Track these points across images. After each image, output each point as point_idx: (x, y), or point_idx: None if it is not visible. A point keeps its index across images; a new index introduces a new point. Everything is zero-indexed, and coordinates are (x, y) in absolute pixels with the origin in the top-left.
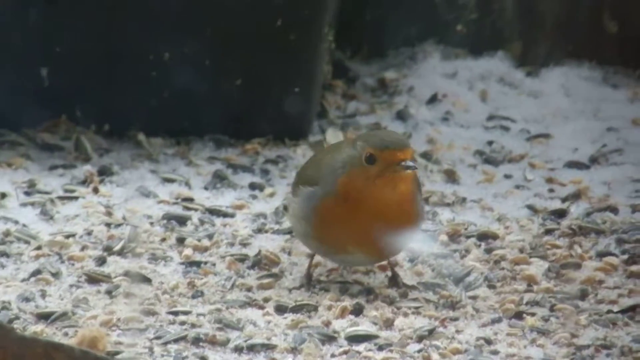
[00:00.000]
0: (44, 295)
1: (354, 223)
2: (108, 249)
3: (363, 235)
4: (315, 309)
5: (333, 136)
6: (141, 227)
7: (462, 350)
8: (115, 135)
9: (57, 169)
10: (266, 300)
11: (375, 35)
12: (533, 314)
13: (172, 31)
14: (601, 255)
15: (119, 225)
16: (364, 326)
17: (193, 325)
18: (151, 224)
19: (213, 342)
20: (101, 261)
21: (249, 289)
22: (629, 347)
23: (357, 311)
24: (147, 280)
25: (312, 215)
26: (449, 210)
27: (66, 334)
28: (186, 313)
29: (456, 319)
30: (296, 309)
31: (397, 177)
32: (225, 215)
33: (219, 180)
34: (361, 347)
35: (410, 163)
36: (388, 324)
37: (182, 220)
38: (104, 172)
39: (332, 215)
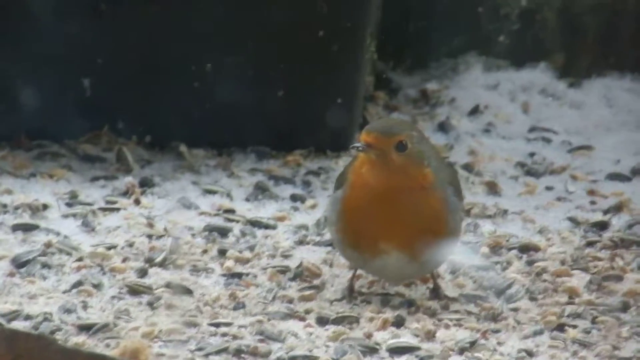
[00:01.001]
0: (85, 306)
1: (372, 216)
2: (149, 261)
3: (385, 226)
4: (357, 320)
5: None
6: (183, 238)
7: None
8: (157, 146)
9: (98, 180)
10: (308, 312)
11: (417, 47)
12: (575, 326)
13: (215, 42)
14: None
15: (160, 236)
16: (406, 338)
17: (235, 337)
18: (192, 235)
19: (255, 353)
20: (143, 273)
21: (291, 301)
22: None
23: (399, 323)
24: (188, 291)
25: (338, 219)
26: (490, 222)
27: (108, 346)
28: (228, 325)
29: (498, 331)
30: (338, 321)
31: (361, 158)
32: (266, 226)
33: (260, 191)
34: (403, 359)
35: (356, 143)
36: (429, 336)
37: (223, 232)
38: (146, 184)
39: (353, 213)
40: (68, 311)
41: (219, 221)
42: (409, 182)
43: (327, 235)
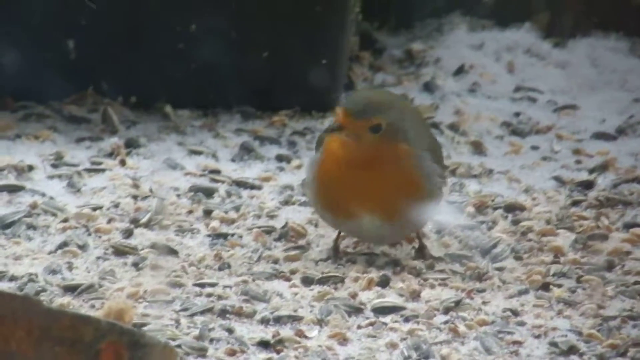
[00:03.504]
0: (70, 267)
1: (343, 182)
2: (135, 221)
3: (356, 192)
4: (342, 280)
5: None
6: (168, 199)
7: (488, 322)
8: (142, 107)
9: (84, 141)
10: (293, 272)
11: (402, 7)
12: (560, 286)
13: (199, 3)
14: (628, 226)
15: (145, 197)
16: (391, 298)
17: (219, 297)
18: (178, 196)
19: (239, 314)
20: (128, 233)
21: (276, 261)
22: None
23: (384, 283)
24: (173, 252)
25: (313, 181)
26: (476, 182)
27: (93, 306)
28: (213, 285)
29: (483, 291)
30: (323, 281)
31: (329, 138)
32: (252, 187)
33: (246, 152)
34: (387, 319)
35: (331, 125)
36: (414, 295)
37: (209, 193)
38: (131, 145)
39: (325, 178)
40: (53, 272)
41: (204, 182)
42: (381, 157)
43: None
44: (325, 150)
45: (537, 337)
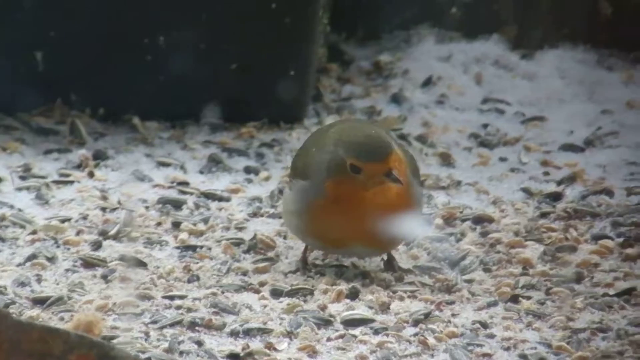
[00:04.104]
0: (39, 279)
1: (349, 222)
2: (103, 234)
3: (361, 232)
4: (311, 293)
5: None
6: (136, 211)
7: (458, 334)
8: (110, 119)
9: (52, 153)
10: (262, 284)
11: (370, 18)
12: (529, 298)
13: (168, 15)
14: (597, 238)
15: (114, 209)
16: (360, 310)
17: (189, 310)
18: (146, 208)
19: (209, 326)
20: (97, 245)
21: (245, 273)
22: (625, 331)
23: (353, 295)
24: (142, 264)
25: (304, 212)
26: (444, 194)
27: (62, 319)
28: (182, 297)
29: (452, 303)
30: (292, 293)
31: (385, 187)
32: (220, 199)
33: (214, 164)
34: (357, 331)
35: (395, 176)
36: (384, 307)
37: (177, 205)
38: (99, 156)
39: (326, 215)
40: (22, 284)
41: (172, 193)
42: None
43: (281, 208)
44: (331, 195)
45: (507, 349)
